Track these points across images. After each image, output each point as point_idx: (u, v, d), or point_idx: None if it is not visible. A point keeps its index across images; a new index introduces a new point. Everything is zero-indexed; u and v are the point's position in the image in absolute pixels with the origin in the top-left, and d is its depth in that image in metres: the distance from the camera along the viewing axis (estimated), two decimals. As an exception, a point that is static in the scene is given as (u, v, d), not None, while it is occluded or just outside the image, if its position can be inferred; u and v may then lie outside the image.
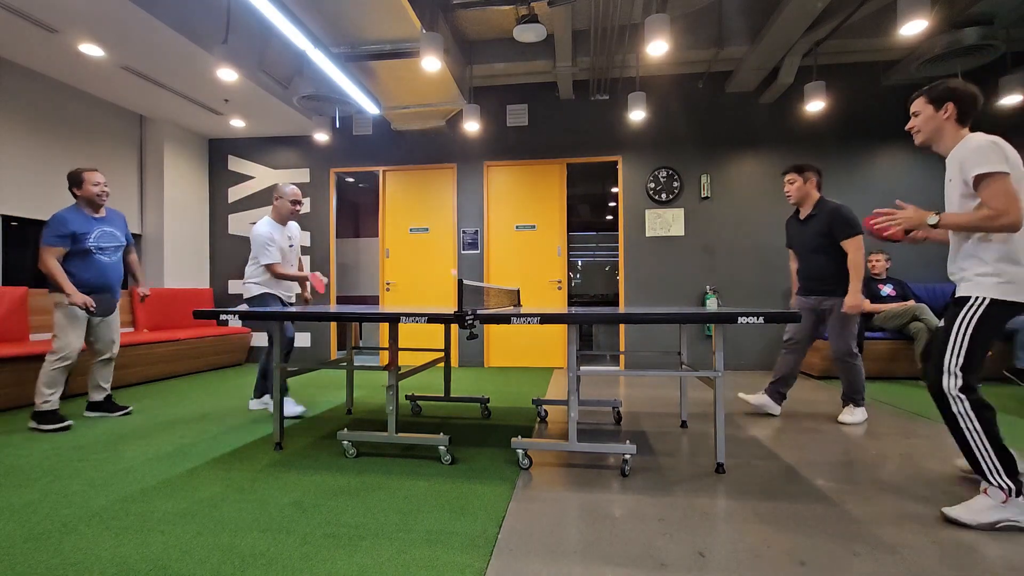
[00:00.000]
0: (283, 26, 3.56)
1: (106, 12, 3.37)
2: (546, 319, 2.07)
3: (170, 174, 5.44)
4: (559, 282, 5.49)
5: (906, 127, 1.93)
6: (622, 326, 5.35)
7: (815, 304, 3.11)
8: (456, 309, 2.06)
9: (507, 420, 3.14)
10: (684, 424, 2.98)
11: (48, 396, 2.92)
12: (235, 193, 6.00)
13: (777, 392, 3.20)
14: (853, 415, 3.02)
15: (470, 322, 2.03)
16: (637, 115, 4.53)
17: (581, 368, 2.44)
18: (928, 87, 1.84)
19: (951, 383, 1.69)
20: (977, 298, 1.68)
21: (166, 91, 4.61)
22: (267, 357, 3.39)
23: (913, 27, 3.16)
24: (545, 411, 3.23)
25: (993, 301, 1.65)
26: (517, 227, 5.56)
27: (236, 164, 6.00)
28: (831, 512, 1.79)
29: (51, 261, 2.87)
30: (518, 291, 3.63)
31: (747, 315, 1.97)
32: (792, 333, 3.19)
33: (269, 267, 3.18)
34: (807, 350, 3.20)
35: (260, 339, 5.91)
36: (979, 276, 1.69)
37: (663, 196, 5.27)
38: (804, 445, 2.58)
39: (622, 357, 5.47)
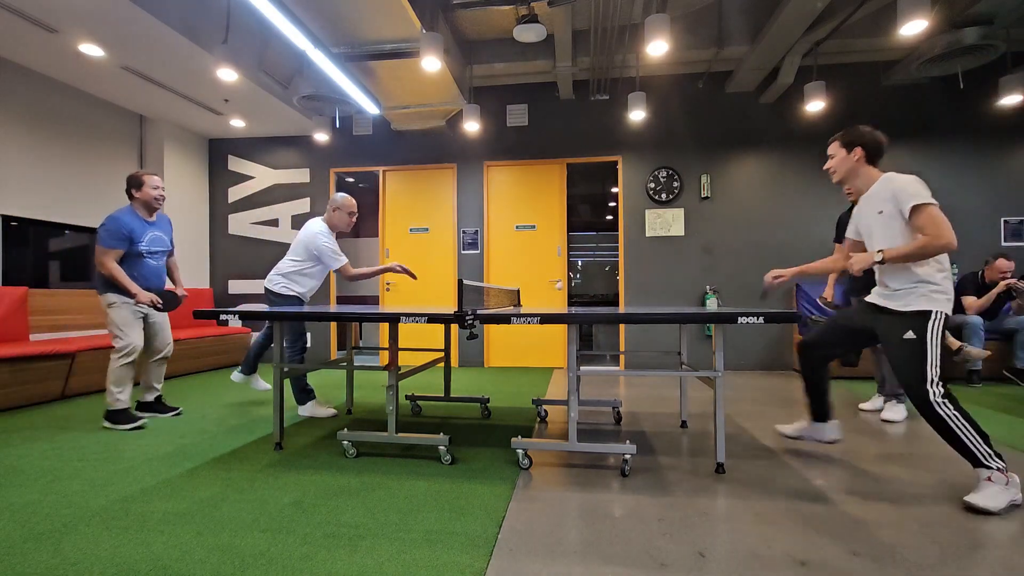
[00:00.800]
0: (283, 26, 3.56)
1: (106, 12, 3.37)
2: (546, 319, 2.06)
3: (170, 174, 5.44)
4: (559, 282, 5.49)
5: (824, 167, 2.19)
6: (622, 326, 5.35)
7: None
8: (456, 309, 2.06)
9: (507, 420, 3.14)
10: (684, 424, 2.98)
11: (117, 395, 2.92)
12: (235, 193, 6.00)
13: (894, 394, 3.18)
14: (896, 411, 3.06)
15: (470, 322, 2.02)
16: (637, 115, 4.53)
17: (581, 368, 2.44)
18: (841, 132, 2.12)
19: (936, 392, 1.83)
20: (937, 311, 1.88)
21: (166, 91, 4.61)
22: (265, 339, 3.43)
23: (913, 27, 3.16)
24: (545, 411, 3.23)
25: (944, 313, 1.89)
26: (517, 227, 5.56)
27: (236, 164, 6.00)
28: (831, 512, 1.79)
29: (111, 263, 2.88)
30: (518, 291, 3.63)
31: (747, 315, 1.97)
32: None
33: (342, 270, 3.14)
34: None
35: (260, 339, 5.92)
36: (934, 292, 1.89)
37: (663, 196, 5.27)
38: (804, 445, 2.58)
39: (622, 357, 5.47)
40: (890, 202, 1.94)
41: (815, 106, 4.28)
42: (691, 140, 5.25)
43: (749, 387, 4.21)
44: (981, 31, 3.66)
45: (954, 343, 3.77)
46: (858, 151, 2.05)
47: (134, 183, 3.00)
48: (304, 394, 3.25)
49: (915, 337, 1.89)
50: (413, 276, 3.26)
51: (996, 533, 1.63)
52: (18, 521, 1.73)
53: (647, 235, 5.30)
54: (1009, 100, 4.24)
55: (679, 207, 5.26)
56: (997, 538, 1.59)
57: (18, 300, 3.84)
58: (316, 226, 3.17)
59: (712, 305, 4.98)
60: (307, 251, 3.16)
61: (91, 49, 3.83)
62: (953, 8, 3.76)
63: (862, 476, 2.14)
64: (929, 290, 1.89)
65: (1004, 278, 4.15)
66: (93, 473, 2.20)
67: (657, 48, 3.28)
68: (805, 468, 2.24)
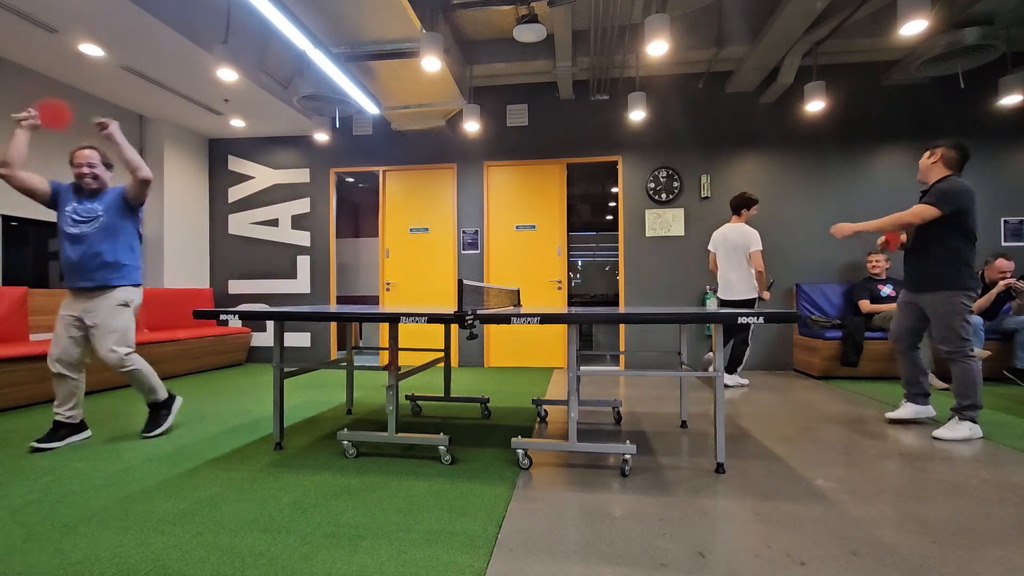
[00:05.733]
0: (283, 26, 3.56)
1: (106, 12, 3.37)
2: (546, 319, 2.06)
3: (170, 174, 5.44)
4: (559, 282, 5.49)
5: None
6: (622, 326, 5.35)
7: (913, 299, 2.86)
8: (456, 309, 2.06)
9: (507, 420, 3.14)
10: (684, 424, 2.98)
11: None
12: (235, 193, 5.99)
13: (917, 396, 2.94)
14: (954, 430, 2.58)
15: (470, 322, 2.03)
16: (637, 115, 4.53)
17: (581, 368, 2.44)
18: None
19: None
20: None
21: (166, 91, 4.61)
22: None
23: (913, 27, 3.16)
24: (545, 411, 3.23)
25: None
26: (517, 227, 5.56)
27: (236, 164, 6.00)
28: (831, 512, 1.79)
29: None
30: (518, 291, 3.63)
31: (747, 315, 1.97)
32: (895, 331, 2.96)
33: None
34: (918, 344, 2.91)
35: (260, 339, 5.91)
36: None
37: (663, 196, 5.27)
38: (804, 445, 2.58)
39: (622, 357, 5.47)
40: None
41: (815, 106, 4.28)
42: (691, 140, 5.25)
43: (749, 387, 4.20)
44: (981, 31, 3.66)
45: None
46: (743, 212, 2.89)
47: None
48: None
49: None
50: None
51: (997, 532, 1.63)
52: (18, 521, 1.73)
53: (647, 235, 5.30)
54: (1009, 100, 4.24)
55: (679, 207, 5.26)
56: (998, 538, 1.59)
57: (18, 300, 3.84)
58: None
59: (712, 305, 4.98)
60: None
61: (91, 49, 3.83)
62: (953, 8, 3.76)
63: (862, 476, 2.14)
64: None
65: (1004, 278, 4.15)
66: (93, 473, 2.20)
67: (657, 48, 3.28)
68: (805, 468, 2.24)
